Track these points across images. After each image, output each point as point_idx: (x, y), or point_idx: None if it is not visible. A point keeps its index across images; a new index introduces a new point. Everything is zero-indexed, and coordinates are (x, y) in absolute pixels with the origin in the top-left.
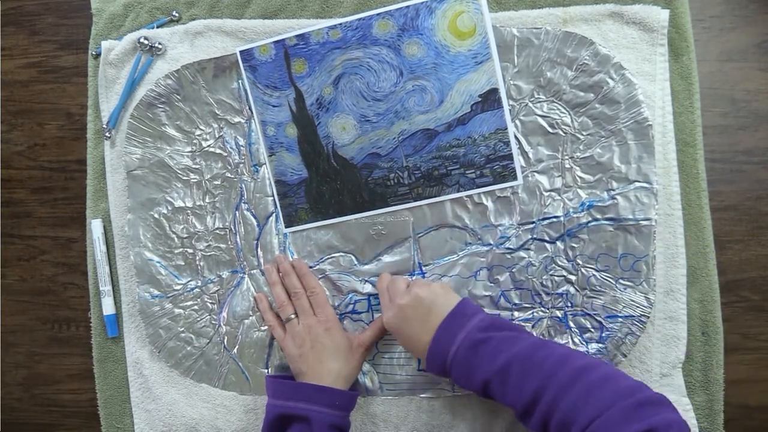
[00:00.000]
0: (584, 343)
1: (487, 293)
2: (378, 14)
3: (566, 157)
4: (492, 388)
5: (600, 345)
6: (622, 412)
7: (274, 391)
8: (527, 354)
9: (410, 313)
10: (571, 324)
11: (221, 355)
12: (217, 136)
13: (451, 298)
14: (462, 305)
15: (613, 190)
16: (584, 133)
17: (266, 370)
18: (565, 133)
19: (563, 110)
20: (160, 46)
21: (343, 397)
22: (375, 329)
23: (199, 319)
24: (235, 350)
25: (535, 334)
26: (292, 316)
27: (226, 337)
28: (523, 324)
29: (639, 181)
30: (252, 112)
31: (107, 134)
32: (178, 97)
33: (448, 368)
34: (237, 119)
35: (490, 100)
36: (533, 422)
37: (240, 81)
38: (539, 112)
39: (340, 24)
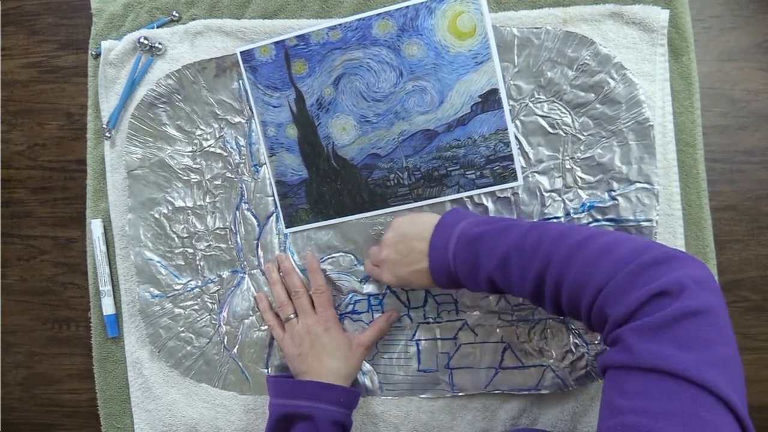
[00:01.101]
0: (585, 344)
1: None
2: (378, 15)
3: (567, 158)
4: (497, 283)
5: (600, 346)
6: (624, 279)
7: (276, 390)
8: (522, 239)
9: (396, 257)
10: (572, 325)
11: (221, 355)
12: (217, 136)
13: (426, 217)
14: (447, 214)
15: (614, 190)
16: (585, 133)
17: (266, 370)
18: (565, 133)
19: (564, 110)
20: (160, 46)
21: (346, 394)
22: (375, 329)
23: (199, 318)
24: (235, 350)
25: (535, 335)
26: (292, 315)
27: (226, 337)
28: (523, 325)
29: (640, 182)
30: (252, 113)
31: (107, 134)
32: (178, 97)
33: (455, 276)
34: (237, 119)
35: (490, 100)
36: (547, 306)
37: (240, 81)
38: (540, 113)
39: (340, 24)
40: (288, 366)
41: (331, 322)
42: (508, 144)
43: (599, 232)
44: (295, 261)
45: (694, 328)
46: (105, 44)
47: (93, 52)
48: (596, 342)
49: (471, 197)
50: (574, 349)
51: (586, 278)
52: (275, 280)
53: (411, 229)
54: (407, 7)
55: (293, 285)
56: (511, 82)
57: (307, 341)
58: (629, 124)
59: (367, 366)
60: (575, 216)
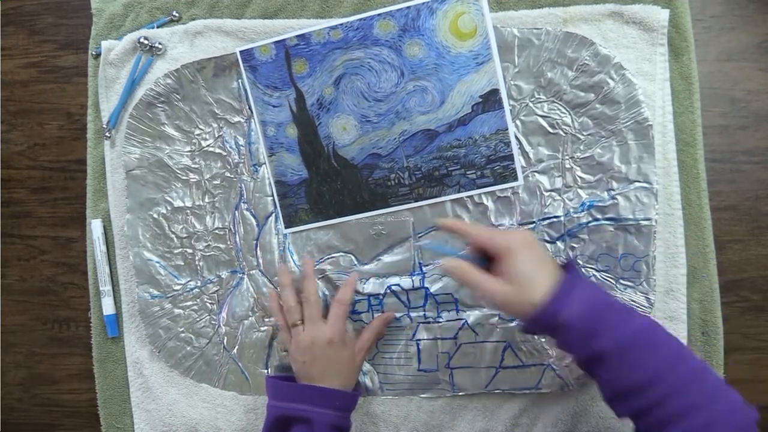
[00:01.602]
0: None
1: None
2: (379, 15)
3: (566, 157)
4: (605, 360)
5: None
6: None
7: (274, 392)
8: (647, 335)
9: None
10: None
11: (221, 356)
12: (216, 135)
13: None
14: (572, 266)
15: (614, 190)
16: (584, 133)
17: (266, 371)
18: (565, 133)
19: (564, 110)
20: (160, 46)
21: (344, 398)
22: (372, 332)
23: (198, 319)
24: (235, 350)
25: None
26: (299, 322)
27: (225, 338)
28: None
29: (639, 181)
30: (252, 112)
31: (107, 134)
32: (177, 96)
33: (559, 328)
34: (236, 119)
35: (490, 100)
36: (624, 409)
37: (240, 80)
38: (540, 113)
39: (341, 24)
40: (288, 365)
41: (336, 336)
42: (508, 144)
43: (707, 365)
44: (294, 261)
45: None
46: (105, 44)
47: (93, 52)
48: None
49: (471, 197)
50: None
51: (698, 408)
52: (286, 283)
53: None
54: (408, 7)
55: (308, 291)
56: (512, 83)
57: (310, 352)
58: (628, 123)
59: (367, 366)
60: (575, 215)
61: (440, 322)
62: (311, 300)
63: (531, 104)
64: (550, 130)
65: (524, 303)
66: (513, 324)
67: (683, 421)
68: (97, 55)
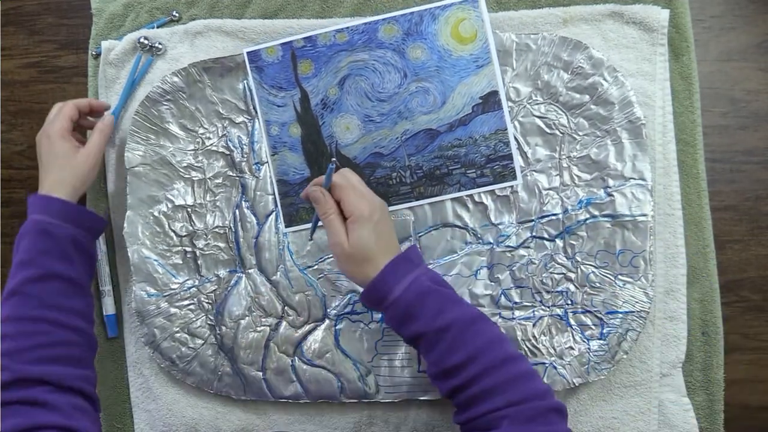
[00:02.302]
0: (585, 340)
1: (487, 292)
2: (384, 19)
3: (563, 157)
4: (422, 342)
5: (601, 341)
6: (534, 410)
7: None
8: (467, 323)
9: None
10: (572, 321)
11: (216, 357)
12: (220, 134)
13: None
14: (412, 250)
15: (610, 187)
16: (580, 133)
17: (261, 373)
18: (562, 133)
19: (560, 111)
20: (160, 46)
21: (80, 213)
22: (97, 136)
23: (195, 319)
24: (231, 352)
25: (536, 332)
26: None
27: (221, 338)
28: (523, 323)
29: (634, 179)
30: (256, 112)
31: (93, 53)
32: (183, 95)
33: (385, 307)
34: (241, 119)
35: (490, 101)
36: (445, 387)
37: (245, 81)
38: (537, 114)
39: (347, 28)
40: None
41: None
42: (507, 144)
43: (521, 359)
44: (294, 261)
45: None
46: (105, 44)
47: (93, 52)
48: (597, 338)
49: (471, 196)
50: (575, 347)
51: (503, 389)
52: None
53: (387, 221)
54: (412, 13)
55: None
56: (510, 85)
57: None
58: (622, 123)
59: (366, 368)
60: (573, 212)
61: None
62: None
63: (528, 106)
64: (547, 130)
65: (360, 274)
66: (514, 323)
67: (490, 399)
68: (97, 55)
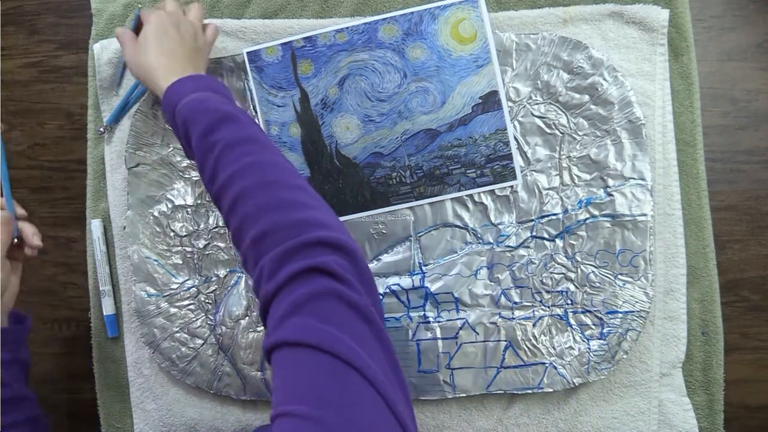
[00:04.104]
0: (585, 340)
1: (487, 292)
2: (384, 19)
3: (563, 157)
4: (191, 151)
5: (601, 341)
6: (287, 251)
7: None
8: (232, 143)
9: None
10: (572, 321)
11: (216, 357)
12: None
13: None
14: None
15: (610, 187)
16: (580, 133)
17: (260, 374)
18: (561, 133)
19: (560, 111)
20: None
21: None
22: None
23: (194, 319)
24: (230, 352)
25: (536, 332)
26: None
27: (221, 338)
28: (523, 323)
29: (634, 178)
30: (256, 112)
31: (101, 129)
32: None
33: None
34: None
35: (490, 101)
36: (221, 208)
37: (245, 82)
38: (537, 114)
39: (347, 28)
40: None
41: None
42: (507, 144)
43: (295, 184)
44: None
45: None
46: (96, 46)
47: (100, 130)
48: (597, 338)
49: (471, 195)
50: (575, 346)
51: (257, 221)
52: None
53: (171, 42)
54: (412, 13)
55: None
56: (510, 85)
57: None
58: (622, 123)
59: None
60: (573, 212)
61: (440, 322)
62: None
63: (528, 106)
64: (547, 130)
65: (151, 84)
66: (514, 323)
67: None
68: (102, 133)
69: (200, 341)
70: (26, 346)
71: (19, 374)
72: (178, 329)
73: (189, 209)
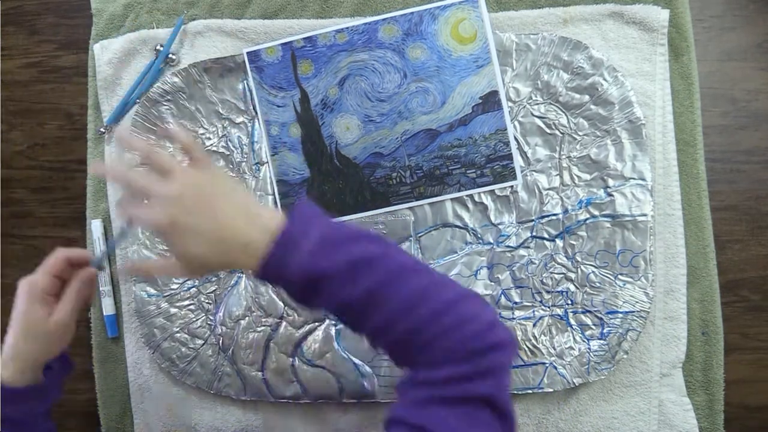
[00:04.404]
0: (586, 340)
1: (487, 292)
2: (384, 20)
3: (563, 157)
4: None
5: (602, 341)
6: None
7: None
8: (368, 294)
9: (190, 203)
10: (572, 321)
11: (216, 357)
12: (220, 135)
13: (245, 195)
14: (298, 215)
15: (610, 187)
16: (580, 133)
17: (261, 374)
18: (561, 133)
19: (560, 111)
20: (173, 57)
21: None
22: (70, 301)
23: (195, 319)
24: (231, 352)
25: (536, 332)
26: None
27: (221, 338)
28: (524, 323)
29: (634, 178)
30: (256, 112)
31: (101, 129)
32: (183, 95)
33: (285, 291)
34: (240, 119)
35: (490, 101)
36: (379, 344)
37: (245, 82)
38: (537, 114)
39: (347, 28)
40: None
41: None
42: (507, 144)
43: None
44: None
45: None
46: (97, 46)
47: (100, 130)
48: (597, 338)
49: (471, 195)
50: (575, 346)
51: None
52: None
53: (231, 187)
54: (412, 13)
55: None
56: (510, 85)
57: None
58: (622, 123)
59: (366, 369)
60: (573, 212)
61: None
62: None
63: (528, 106)
64: (547, 130)
65: (218, 265)
66: (514, 323)
67: (425, 353)
68: (102, 133)
69: (200, 341)
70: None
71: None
72: (178, 329)
73: None
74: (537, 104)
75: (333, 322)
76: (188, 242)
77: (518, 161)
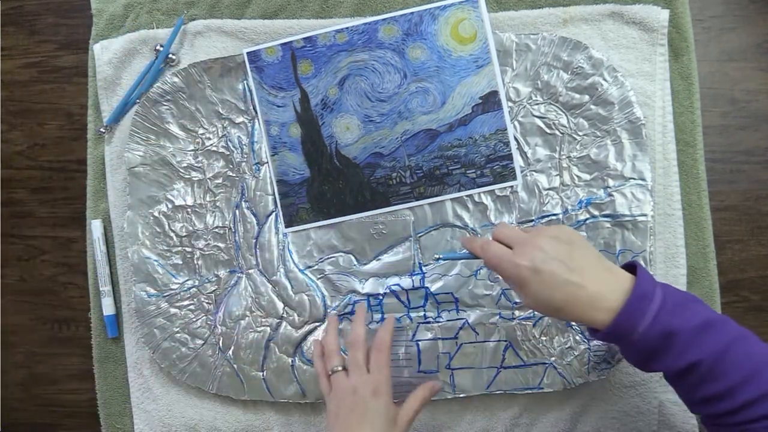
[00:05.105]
0: (585, 340)
1: (487, 292)
2: (383, 20)
3: (563, 157)
4: (668, 376)
5: (600, 342)
6: None
7: None
8: (721, 353)
9: (560, 266)
10: (571, 322)
11: (216, 357)
12: (220, 135)
13: (598, 256)
14: (645, 280)
15: (610, 187)
16: (580, 133)
17: (261, 373)
18: (561, 133)
19: (560, 111)
20: (173, 57)
21: None
22: (419, 399)
23: (195, 319)
24: (230, 352)
25: (536, 332)
26: (339, 368)
27: (221, 338)
28: (524, 323)
29: (634, 178)
30: (256, 112)
31: (101, 129)
32: (183, 95)
33: (621, 343)
34: (241, 119)
35: (490, 102)
36: (704, 408)
37: (245, 81)
38: (537, 114)
39: (347, 28)
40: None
41: (382, 387)
42: (507, 144)
43: None
44: (294, 261)
45: None
46: (97, 47)
47: (100, 130)
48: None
49: (471, 196)
50: (575, 346)
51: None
52: (332, 326)
53: (583, 246)
54: (412, 13)
55: (356, 335)
56: (510, 85)
57: (348, 402)
58: (622, 123)
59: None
60: (573, 212)
61: (440, 322)
62: (359, 343)
63: (528, 106)
64: (547, 130)
65: (570, 317)
66: (514, 323)
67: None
68: (102, 133)
69: (200, 341)
70: None
71: None
72: (178, 329)
73: (189, 209)
74: (537, 104)
75: (331, 315)
76: (543, 291)
77: (518, 161)
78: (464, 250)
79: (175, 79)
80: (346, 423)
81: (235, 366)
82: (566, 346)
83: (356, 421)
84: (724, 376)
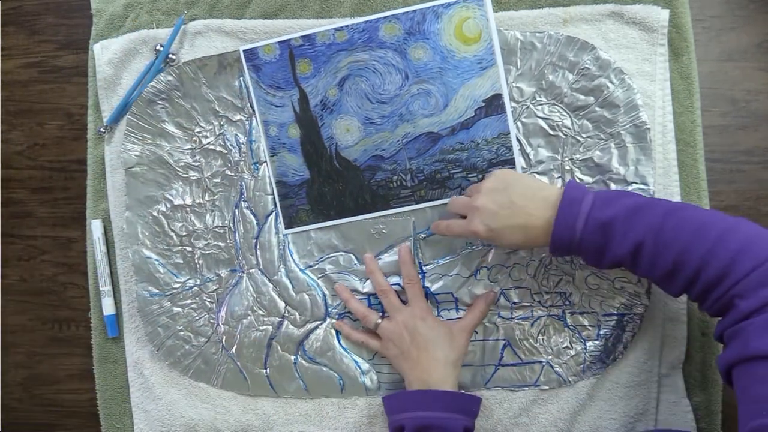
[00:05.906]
0: (582, 341)
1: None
2: (385, 17)
3: (566, 159)
4: (624, 264)
5: (598, 342)
6: (762, 275)
7: (404, 404)
8: (658, 227)
9: (494, 207)
10: (570, 322)
11: (219, 354)
12: (217, 133)
13: (530, 179)
14: (571, 188)
15: None
16: (584, 135)
17: (264, 371)
18: (565, 135)
19: (564, 113)
20: (173, 57)
21: (472, 402)
22: (476, 312)
23: (197, 317)
24: (233, 350)
25: (534, 332)
26: (379, 320)
27: (224, 337)
28: (522, 322)
29: (636, 183)
30: (254, 112)
31: (101, 129)
32: (178, 93)
33: (575, 252)
34: (238, 117)
35: (493, 104)
36: (674, 288)
37: (242, 78)
38: (540, 115)
39: (347, 26)
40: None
41: (425, 312)
42: (510, 148)
43: (735, 224)
44: (294, 261)
45: None
46: (97, 47)
47: (100, 130)
48: (593, 339)
49: None
50: (572, 345)
51: (726, 271)
52: (349, 296)
53: (516, 183)
54: (414, 11)
55: (380, 284)
56: (513, 85)
57: (405, 337)
58: (627, 126)
59: (366, 365)
60: None
61: None
62: (386, 289)
63: (532, 106)
64: (551, 132)
65: (519, 241)
66: (513, 322)
67: (725, 280)
68: (103, 133)
69: (204, 339)
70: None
71: None
72: (181, 327)
73: (188, 209)
74: (541, 105)
75: (335, 320)
76: (505, 238)
77: (520, 163)
78: None
79: (169, 77)
80: (414, 356)
81: (238, 363)
82: (563, 346)
83: (423, 349)
84: (667, 247)
